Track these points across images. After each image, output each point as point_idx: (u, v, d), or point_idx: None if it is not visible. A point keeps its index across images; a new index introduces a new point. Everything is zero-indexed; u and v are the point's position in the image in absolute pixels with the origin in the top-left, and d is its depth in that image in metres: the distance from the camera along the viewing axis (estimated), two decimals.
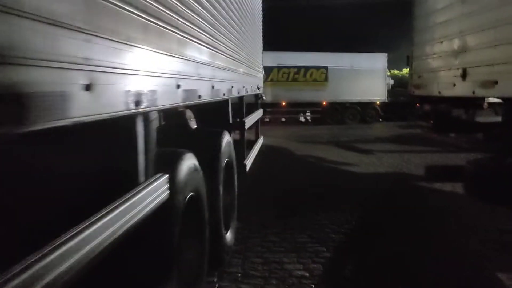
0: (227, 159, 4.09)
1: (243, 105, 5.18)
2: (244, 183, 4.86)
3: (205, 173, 2.90)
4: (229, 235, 4.01)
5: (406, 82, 23.29)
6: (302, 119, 21.45)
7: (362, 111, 20.70)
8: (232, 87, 4.31)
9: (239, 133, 5.00)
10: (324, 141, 13.71)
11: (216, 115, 4.45)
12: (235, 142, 4.78)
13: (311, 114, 21.23)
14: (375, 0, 26.05)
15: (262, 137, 7.54)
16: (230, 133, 4.51)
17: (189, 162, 2.49)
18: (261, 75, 7.51)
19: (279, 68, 20.62)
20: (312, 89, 20.62)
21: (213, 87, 3.33)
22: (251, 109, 6.44)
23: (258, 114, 6.88)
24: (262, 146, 7.68)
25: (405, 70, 23.67)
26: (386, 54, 20.86)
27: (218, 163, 3.68)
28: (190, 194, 2.45)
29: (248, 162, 5.07)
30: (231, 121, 4.55)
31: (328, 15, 26.27)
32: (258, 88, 6.69)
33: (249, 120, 5.24)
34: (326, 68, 20.69)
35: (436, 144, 11.86)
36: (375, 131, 17.15)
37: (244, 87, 5.09)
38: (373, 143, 12.75)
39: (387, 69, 21.15)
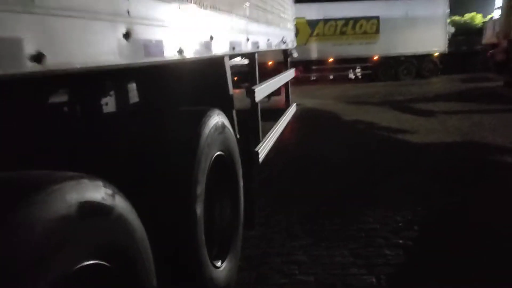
0: (218, 153, 2.62)
1: (255, 66, 3.55)
2: (260, 178, 3.33)
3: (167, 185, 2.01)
4: (222, 272, 2.55)
5: (469, 29, 20.29)
6: (351, 76, 19.25)
7: (419, 65, 18.16)
8: (232, 39, 2.75)
9: (249, 108, 3.41)
10: (376, 101, 11.76)
11: (207, 84, 2.91)
12: (243, 120, 3.22)
13: (361, 70, 18.97)
14: None
15: (294, 105, 5.88)
16: (229, 109, 2.97)
17: None
18: (290, 25, 5.76)
19: (325, 21, 18.42)
20: (362, 42, 18.33)
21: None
22: (275, 70, 4.82)
23: (285, 76, 5.20)
24: (297, 113, 6.07)
25: (468, 15, 20.55)
26: None
27: (194, 163, 2.22)
28: None
29: (263, 148, 3.51)
30: (230, 91, 2.97)
31: None
32: (284, 42, 4.97)
33: (265, 88, 3.64)
34: (377, 18, 18.21)
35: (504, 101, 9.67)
36: (434, 87, 14.78)
37: (256, 39, 3.46)
38: (434, 102, 10.64)
39: (447, 15, 18.24)
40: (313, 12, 18.30)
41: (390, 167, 5.35)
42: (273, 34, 4.20)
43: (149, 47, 1.68)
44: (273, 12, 4.21)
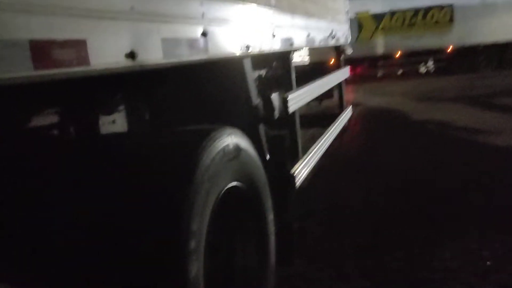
0: (230, 185, 1.98)
1: (289, 68, 2.83)
2: (296, 210, 2.62)
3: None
4: None
5: None
6: (423, 70, 17.66)
7: (500, 55, 16.17)
8: (250, 34, 2.11)
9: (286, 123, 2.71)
10: (451, 96, 10.42)
11: (222, 94, 2.28)
12: (276, 137, 2.54)
13: (433, 63, 17.34)
14: None
15: (349, 108, 5.04)
16: (255, 124, 2.31)
17: None
18: (342, 18, 4.93)
19: (392, 13, 17.10)
20: (434, 33, 16.72)
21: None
22: (320, 70, 4.06)
23: (335, 77, 4.39)
24: (359, 114, 5.24)
25: None
26: None
27: (183, 210, 1.60)
28: None
29: (304, 168, 2.79)
30: (254, 102, 2.30)
31: None
32: (334, 37, 4.18)
33: (303, 94, 2.90)
34: (451, 6, 16.53)
35: None
36: None
37: (288, 35, 2.75)
38: None
39: None
40: (378, 4, 17.15)
41: (471, 180, 4.35)
42: (316, 27, 3.45)
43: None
44: (315, 1, 3.46)
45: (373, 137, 6.59)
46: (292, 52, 2.79)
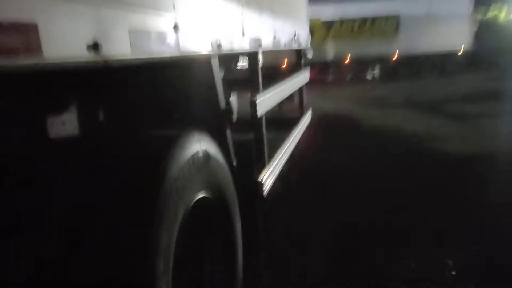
0: (198, 197, 1.78)
1: (256, 70, 2.67)
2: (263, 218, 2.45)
3: None
4: None
5: (493, 26, 18.96)
6: (370, 76, 18.18)
7: (441, 63, 16.97)
8: (220, 32, 1.91)
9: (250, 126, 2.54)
10: (399, 102, 10.73)
11: (187, 95, 2.07)
12: (243, 142, 2.37)
13: (380, 70, 17.90)
14: None
15: (310, 111, 4.96)
16: (222, 128, 2.13)
17: None
18: (304, 22, 4.84)
19: (341, 21, 17.50)
20: (381, 41, 17.28)
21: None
22: (285, 71, 3.93)
23: (298, 80, 4.29)
24: (312, 120, 5.15)
25: (493, 11, 19.23)
26: None
27: (148, 229, 1.39)
28: None
29: (270, 174, 2.64)
30: (222, 104, 2.11)
31: None
32: (297, 41, 4.08)
33: (271, 97, 2.76)
34: (397, 15, 17.15)
35: None
36: (461, 86, 13.59)
37: (257, 35, 2.59)
38: (463, 104, 9.53)
39: (472, 11, 17.05)
40: (328, 12, 17.48)
41: (424, 188, 4.38)
42: (282, 29, 3.31)
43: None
44: (281, 3, 3.33)
45: (326, 142, 6.58)
46: (259, 53, 2.63)
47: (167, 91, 1.87)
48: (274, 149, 3.08)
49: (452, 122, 7.66)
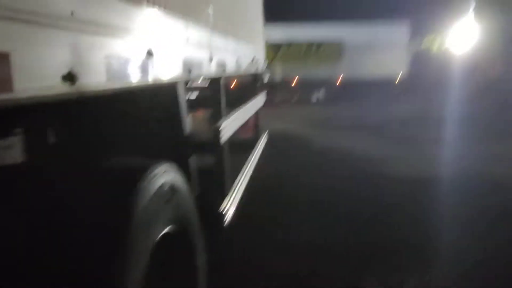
0: (164, 232, 1.65)
1: (219, 95, 2.59)
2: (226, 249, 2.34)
3: None
4: None
5: (427, 55, 20.28)
6: (315, 99, 18.68)
7: (382, 89, 17.83)
8: (188, 57, 1.82)
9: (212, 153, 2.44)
10: (345, 125, 11.08)
11: (152, 123, 1.95)
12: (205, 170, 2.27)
13: (326, 92, 18.48)
14: None
15: (266, 134, 4.93)
16: (185, 157, 2.02)
17: None
18: (261, 44, 4.86)
19: (289, 44, 17.98)
20: (326, 65, 17.97)
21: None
22: (244, 95, 3.88)
23: (256, 103, 4.28)
24: (267, 146, 5.13)
25: (427, 40, 20.57)
26: (408, 22, 17.86)
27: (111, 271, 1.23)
28: None
29: (231, 203, 2.55)
30: (186, 132, 2.00)
31: None
32: (255, 64, 4.06)
33: (233, 123, 2.70)
34: (340, 42, 17.92)
35: (482, 128, 9.15)
36: (401, 110, 14.32)
37: (223, 59, 2.52)
38: (405, 127, 10.02)
39: (408, 40, 18.19)
40: (277, 34, 17.87)
41: (376, 211, 4.47)
42: (243, 53, 3.28)
43: None
44: (243, 25, 3.30)
45: (282, 164, 6.60)
46: (223, 78, 2.55)
47: (131, 120, 1.75)
48: (234, 175, 2.99)
49: (392, 145, 7.98)
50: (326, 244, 3.57)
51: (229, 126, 2.55)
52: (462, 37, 14.13)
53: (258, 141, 4.43)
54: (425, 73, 18.83)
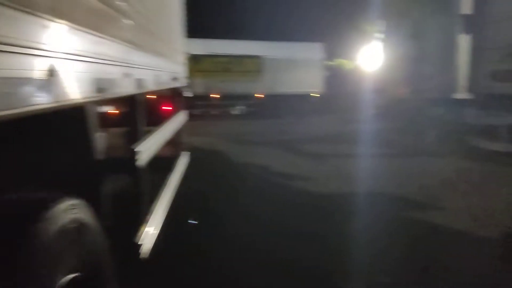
0: (69, 276, 1.37)
1: (136, 114, 2.34)
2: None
3: None
4: None
5: (341, 73, 21.42)
6: (236, 112, 18.72)
7: (299, 104, 18.41)
8: (100, 73, 1.57)
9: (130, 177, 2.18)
10: (265, 140, 11.14)
11: (57, 150, 1.66)
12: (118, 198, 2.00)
13: (246, 107, 18.60)
14: None
15: (187, 152, 4.70)
16: (95, 186, 1.75)
17: None
18: (181, 59, 4.65)
19: (210, 56, 17.86)
20: (247, 80, 18.13)
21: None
22: (164, 113, 3.63)
23: (178, 120, 4.04)
24: (189, 164, 4.88)
25: (340, 61, 21.79)
26: (322, 44, 18.78)
27: None
28: None
29: (149, 232, 2.30)
30: (97, 157, 1.74)
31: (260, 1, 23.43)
32: (176, 79, 3.84)
33: (152, 144, 2.46)
34: (260, 57, 18.22)
35: (391, 145, 9.73)
36: (317, 126, 14.85)
37: (141, 75, 2.28)
38: (321, 143, 10.35)
39: (323, 60, 19.07)
40: (197, 47, 17.73)
41: (295, 231, 4.43)
42: (163, 68, 3.05)
43: None
44: (162, 39, 3.08)
45: (201, 182, 6.37)
46: (142, 95, 2.31)
47: (30, 148, 1.46)
48: (152, 200, 2.73)
49: (314, 161, 8.15)
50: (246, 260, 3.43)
51: (146, 147, 2.30)
52: (370, 58, 15.12)
53: (179, 160, 4.17)
54: (338, 91, 19.83)
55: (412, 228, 4.43)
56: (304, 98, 18.45)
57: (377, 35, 9.94)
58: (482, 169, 6.87)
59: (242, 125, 15.17)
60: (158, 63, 2.75)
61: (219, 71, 18.01)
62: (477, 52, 6.73)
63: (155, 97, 3.72)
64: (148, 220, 2.41)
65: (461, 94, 6.31)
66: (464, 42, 6.54)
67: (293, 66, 18.03)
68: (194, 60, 17.64)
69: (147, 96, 2.95)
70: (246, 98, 18.21)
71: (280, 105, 18.09)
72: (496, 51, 6.42)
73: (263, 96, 18.09)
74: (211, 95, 17.77)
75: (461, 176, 6.52)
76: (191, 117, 16.96)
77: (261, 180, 6.61)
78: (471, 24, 6.59)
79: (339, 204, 5.29)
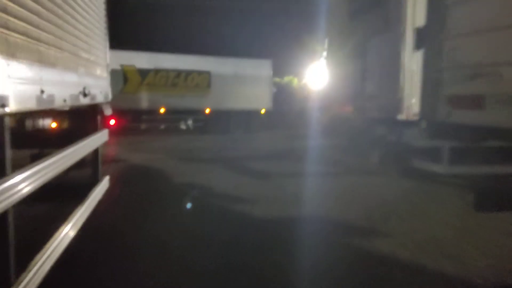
0: None
1: (4, 143, 1.72)
2: None
3: None
4: None
5: (289, 90, 21.36)
6: (183, 127, 17.99)
7: (247, 120, 18.01)
8: None
9: None
10: (210, 157, 10.61)
11: None
12: None
13: (193, 122, 17.94)
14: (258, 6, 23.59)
15: (106, 179, 4.05)
16: None
17: None
18: (102, 72, 4.01)
19: (157, 71, 17.14)
20: (194, 95, 17.55)
21: None
22: (72, 133, 3.00)
23: (90, 143, 3.39)
24: (119, 175, 4.23)
25: (287, 78, 21.75)
26: (271, 61, 18.58)
27: None
28: None
29: None
30: None
31: (209, 16, 23.02)
32: (87, 95, 3.20)
33: (29, 179, 1.84)
34: (208, 73, 17.71)
35: (336, 164, 9.49)
36: (265, 143, 14.49)
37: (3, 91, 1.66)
38: (268, 161, 9.91)
39: (272, 77, 18.85)
40: (144, 60, 17.02)
41: (238, 259, 3.91)
42: (59, 82, 2.44)
43: None
44: (59, 46, 2.47)
45: (131, 206, 5.71)
46: (5, 117, 1.70)
47: None
48: (35, 247, 2.08)
49: (259, 181, 7.69)
50: None
51: (13, 187, 1.69)
52: (317, 76, 15.07)
53: (94, 188, 3.51)
54: (286, 107, 19.70)
55: (355, 257, 4.04)
56: (252, 114, 18.11)
57: (323, 53, 9.75)
58: (425, 190, 6.70)
59: (189, 141, 14.54)
60: (44, 75, 2.15)
61: (167, 86, 17.32)
62: (431, 72, 5.80)
63: (62, 116, 3.10)
64: (21, 279, 1.76)
65: (406, 116, 5.85)
66: (413, 59, 5.86)
67: (241, 82, 17.66)
68: (140, 74, 16.86)
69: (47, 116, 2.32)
70: (194, 113, 17.61)
71: (228, 120, 17.62)
72: (456, 71, 5.39)
73: (211, 111, 17.55)
74: (158, 110, 17.01)
75: (404, 198, 6.29)
76: (137, 132, 16.31)
77: (201, 203, 6.04)
78: (425, 39, 5.76)
79: (280, 230, 4.82)
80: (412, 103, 5.74)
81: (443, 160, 5.48)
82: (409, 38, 5.69)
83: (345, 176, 8.14)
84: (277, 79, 20.95)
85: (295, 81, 21.13)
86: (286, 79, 21.52)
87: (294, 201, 6.21)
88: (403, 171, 6.86)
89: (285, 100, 19.20)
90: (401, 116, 5.78)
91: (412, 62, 5.72)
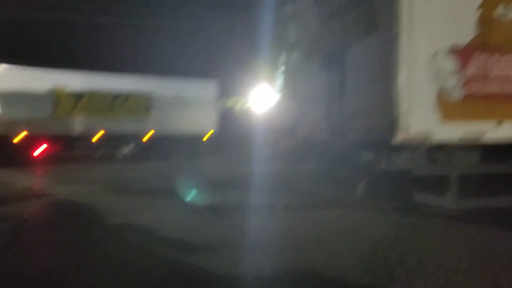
0: None
1: None
2: None
3: None
4: None
5: (234, 113, 20.13)
6: (121, 154, 16.01)
7: (191, 145, 16.45)
8: None
9: None
10: (152, 188, 8.99)
11: None
12: None
13: (133, 148, 16.05)
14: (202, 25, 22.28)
15: None
16: None
17: None
18: None
19: (92, 94, 15.21)
20: (134, 119, 15.79)
21: None
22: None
23: None
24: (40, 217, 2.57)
25: (234, 99, 20.48)
26: (216, 81, 17.27)
27: None
28: None
29: None
30: None
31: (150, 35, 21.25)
32: None
33: None
34: (149, 94, 16.05)
35: (308, 195, 8.26)
36: (213, 169, 12.93)
37: None
38: (220, 192, 8.33)
39: (217, 98, 17.52)
40: (77, 81, 15.03)
41: None
42: None
43: None
44: None
45: (48, 265, 3.97)
46: None
47: None
48: None
49: (203, 217, 6.20)
50: None
51: None
52: (270, 96, 14.02)
53: None
54: (233, 130, 18.42)
55: None
56: (196, 138, 16.58)
57: (279, 69, 8.63)
58: (432, 230, 5.18)
59: (127, 170, 12.68)
60: None
61: (103, 109, 15.40)
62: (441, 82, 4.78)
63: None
64: None
65: (402, 137, 4.57)
66: (414, 67, 4.62)
67: (184, 104, 16.18)
68: (73, 97, 14.80)
69: None
70: (133, 138, 15.80)
71: (171, 146, 15.92)
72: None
73: (152, 136, 15.78)
74: (94, 135, 15.01)
75: (409, 241, 4.86)
76: (70, 160, 14.09)
77: (146, 254, 4.38)
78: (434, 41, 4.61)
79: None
80: (411, 121, 4.51)
81: (450, 192, 4.35)
82: (406, 41, 4.55)
83: (325, 211, 6.59)
84: (223, 100, 19.63)
85: (244, 102, 19.88)
86: (234, 99, 20.26)
87: (261, 247, 4.71)
88: (402, 206, 5.39)
89: (232, 122, 17.94)
90: (397, 139, 4.53)
91: (412, 71, 4.52)
